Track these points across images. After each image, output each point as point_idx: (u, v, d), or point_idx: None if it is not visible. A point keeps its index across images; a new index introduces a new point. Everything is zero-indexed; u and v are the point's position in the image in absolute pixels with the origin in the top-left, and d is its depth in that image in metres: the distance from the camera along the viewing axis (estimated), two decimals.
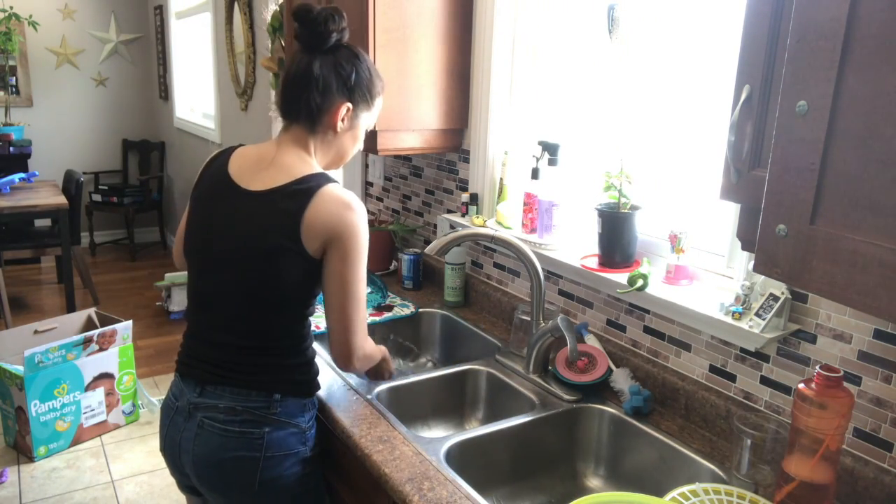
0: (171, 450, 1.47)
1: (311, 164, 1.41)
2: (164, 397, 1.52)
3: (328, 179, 1.38)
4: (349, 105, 1.42)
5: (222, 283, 1.41)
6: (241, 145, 1.49)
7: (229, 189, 1.40)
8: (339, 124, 1.43)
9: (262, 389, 1.39)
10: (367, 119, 1.50)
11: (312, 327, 1.52)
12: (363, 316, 1.41)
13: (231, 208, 1.39)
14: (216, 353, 1.42)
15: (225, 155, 1.46)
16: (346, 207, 1.34)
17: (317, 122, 1.42)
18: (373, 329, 1.99)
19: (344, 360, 1.43)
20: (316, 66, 1.39)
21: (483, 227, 2.00)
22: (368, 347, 1.46)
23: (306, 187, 1.34)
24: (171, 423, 1.46)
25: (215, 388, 1.41)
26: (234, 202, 1.39)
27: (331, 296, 1.38)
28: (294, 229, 1.32)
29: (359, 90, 1.43)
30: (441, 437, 1.44)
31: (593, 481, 1.57)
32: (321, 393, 1.58)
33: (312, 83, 1.38)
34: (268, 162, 1.40)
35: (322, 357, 1.79)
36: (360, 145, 1.52)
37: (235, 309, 1.40)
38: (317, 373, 1.51)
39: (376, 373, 1.64)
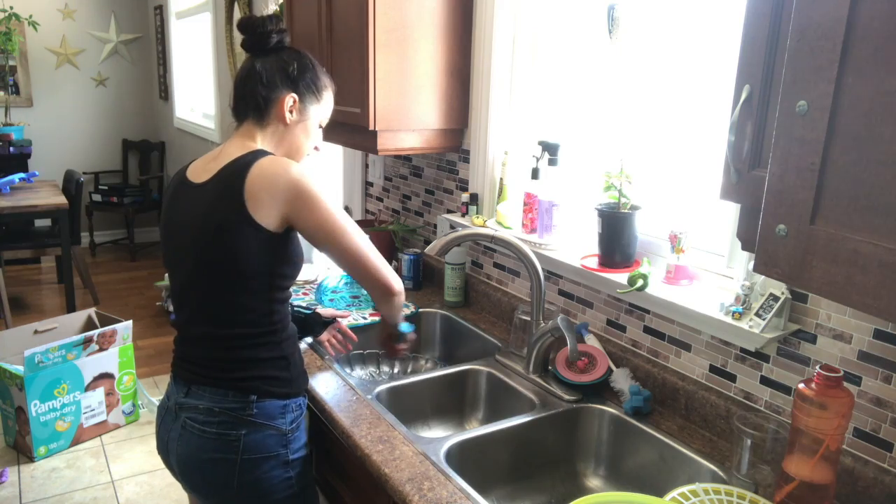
0: (162, 450, 1.50)
1: (254, 148, 1.44)
2: (163, 397, 1.54)
3: (266, 153, 1.41)
4: (294, 96, 1.46)
5: (186, 272, 1.44)
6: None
7: (183, 187, 1.46)
8: (288, 115, 1.46)
9: (239, 390, 1.40)
10: (318, 112, 1.53)
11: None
12: (370, 246, 1.46)
13: (184, 203, 1.45)
14: (197, 350, 1.45)
15: (189, 162, 1.53)
16: (285, 171, 1.36)
17: (265, 115, 1.46)
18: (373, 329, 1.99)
19: (387, 294, 1.49)
20: (259, 64, 1.46)
21: (483, 227, 2.00)
22: (395, 274, 1.52)
23: (244, 162, 1.37)
24: (162, 424, 1.50)
25: (199, 388, 1.42)
26: (186, 197, 1.45)
27: (331, 252, 1.42)
28: (239, 201, 1.34)
29: (303, 81, 1.47)
30: (441, 437, 1.44)
31: (593, 481, 1.57)
32: (322, 393, 1.58)
33: (256, 78, 1.45)
34: (215, 156, 1.46)
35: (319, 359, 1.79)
36: (315, 140, 1.55)
37: (201, 294, 1.43)
38: (299, 374, 1.50)
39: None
